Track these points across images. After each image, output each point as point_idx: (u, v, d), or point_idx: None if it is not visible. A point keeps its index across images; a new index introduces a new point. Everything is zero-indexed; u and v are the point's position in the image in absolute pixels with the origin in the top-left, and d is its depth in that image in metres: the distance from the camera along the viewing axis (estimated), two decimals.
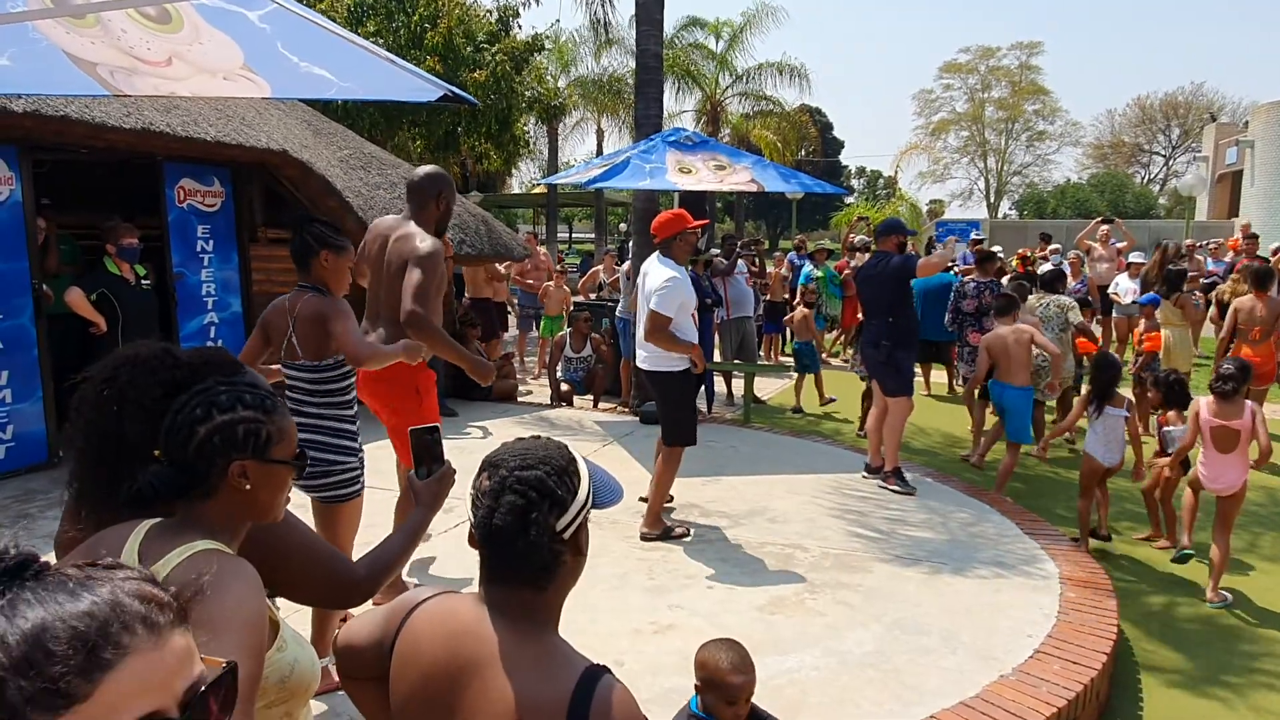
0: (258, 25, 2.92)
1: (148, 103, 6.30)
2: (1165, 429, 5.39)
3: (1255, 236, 13.32)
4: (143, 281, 5.97)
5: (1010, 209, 54.52)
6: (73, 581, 0.77)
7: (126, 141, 6.27)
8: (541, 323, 11.04)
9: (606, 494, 1.36)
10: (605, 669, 1.24)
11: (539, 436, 1.37)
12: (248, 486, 1.44)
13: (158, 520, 1.44)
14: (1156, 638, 4.27)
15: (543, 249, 13.49)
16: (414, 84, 2.86)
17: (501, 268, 10.10)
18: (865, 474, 6.05)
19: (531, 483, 1.25)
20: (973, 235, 13.90)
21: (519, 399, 8.92)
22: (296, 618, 3.76)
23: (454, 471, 1.86)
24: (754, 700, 2.46)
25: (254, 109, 7.43)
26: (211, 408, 1.45)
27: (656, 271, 4.76)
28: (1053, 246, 13.81)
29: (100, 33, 2.72)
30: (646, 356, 4.88)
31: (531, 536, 1.23)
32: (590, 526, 4.41)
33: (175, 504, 1.46)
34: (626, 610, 3.91)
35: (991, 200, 52.76)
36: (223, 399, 1.46)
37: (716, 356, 9.78)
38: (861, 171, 64.18)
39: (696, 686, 2.40)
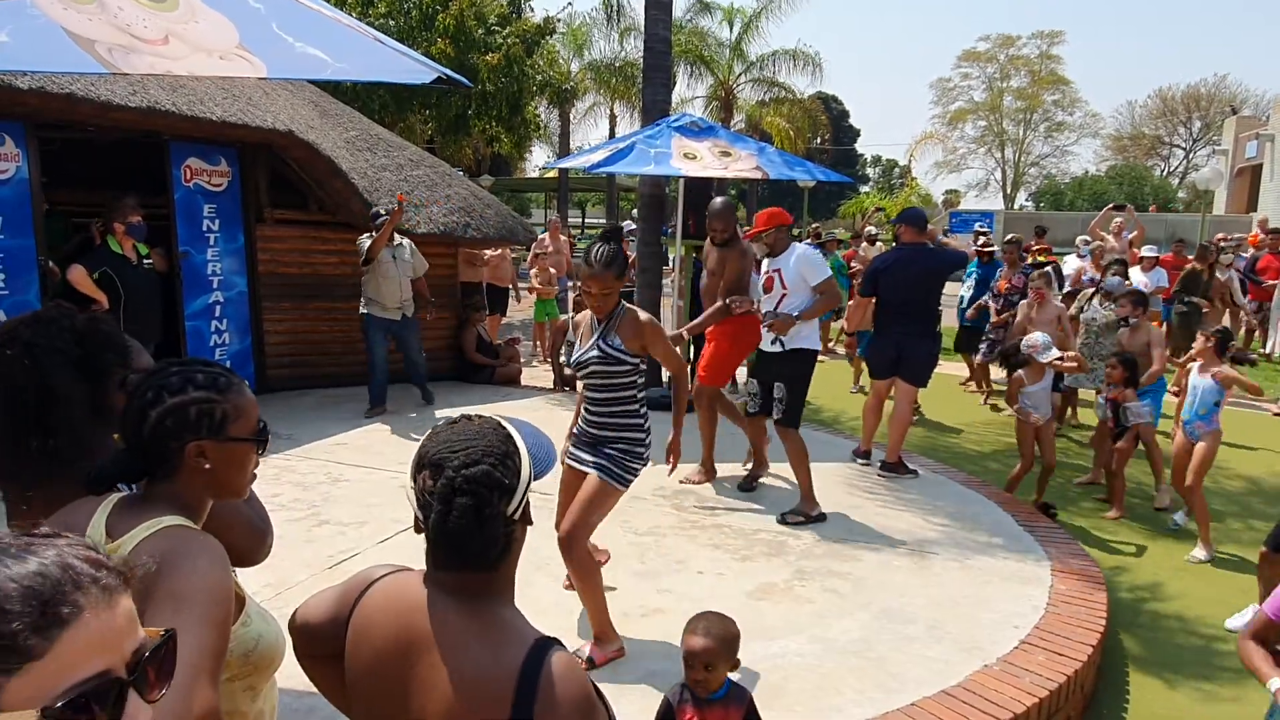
0: (252, 5, 2.93)
1: (154, 81, 6.33)
2: (1125, 405, 5.60)
3: (1277, 231, 13.13)
4: (144, 261, 6.01)
5: (1027, 200, 54.12)
6: (15, 548, 0.78)
7: (132, 120, 6.30)
8: (535, 306, 11.07)
9: (542, 463, 1.37)
10: (555, 640, 1.25)
11: (470, 419, 1.36)
12: (207, 466, 1.45)
13: (125, 494, 1.47)
14: (1146, 633, 4.26)
15: (563, 236, 13.47)
16: (408, 65, 2.87)
17: (488, 253, 10.10)
18: (857, 460, 6.13)
19: (480, 480, 1.25)
20: (977, 228, 13.81)
21: (523, 383, 8.95)
22: (291, 596, 3.81)
23: None
24: (745, 687, 2.49)
25: (261, 89, 7.45)
26: (162, 391, 1.45)
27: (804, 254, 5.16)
28: (1081, 238, 13.72)
29: (97, 10, 2.74)
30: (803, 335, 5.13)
31: (482, 535, 1.25)
32: None
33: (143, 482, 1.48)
34: (616, 594, 3.93)
35: (1008, 191, 52.34)
36: (173, 381, 1.46)
37: None
38: (877, 160, 63.77)
39: None
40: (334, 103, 8.85)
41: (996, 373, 8.61)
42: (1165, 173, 53.19)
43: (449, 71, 2.72)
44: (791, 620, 3.75)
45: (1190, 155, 51.57)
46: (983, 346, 9.09)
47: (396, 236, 7.03)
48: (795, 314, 4.99)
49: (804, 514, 4.91)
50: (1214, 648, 4.12)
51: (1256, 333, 12.05)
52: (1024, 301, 7.65)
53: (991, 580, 4.22)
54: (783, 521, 4.88)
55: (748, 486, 5.48)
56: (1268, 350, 11.56)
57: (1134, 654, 4.04)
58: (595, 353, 3.47)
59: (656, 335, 3.51)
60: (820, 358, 5.53)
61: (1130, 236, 12.09)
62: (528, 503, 1.32)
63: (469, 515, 1.24)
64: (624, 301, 3.56)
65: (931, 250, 5.96)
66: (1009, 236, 9.69)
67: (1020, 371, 5.69)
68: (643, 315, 3.51)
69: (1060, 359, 5.69)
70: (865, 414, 6.25)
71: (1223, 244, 12.31)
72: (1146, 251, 10.72)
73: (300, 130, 7.35)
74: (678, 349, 3.91)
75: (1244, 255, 13.00)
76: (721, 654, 2.37)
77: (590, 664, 3.29)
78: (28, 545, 0.78)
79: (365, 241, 6.93)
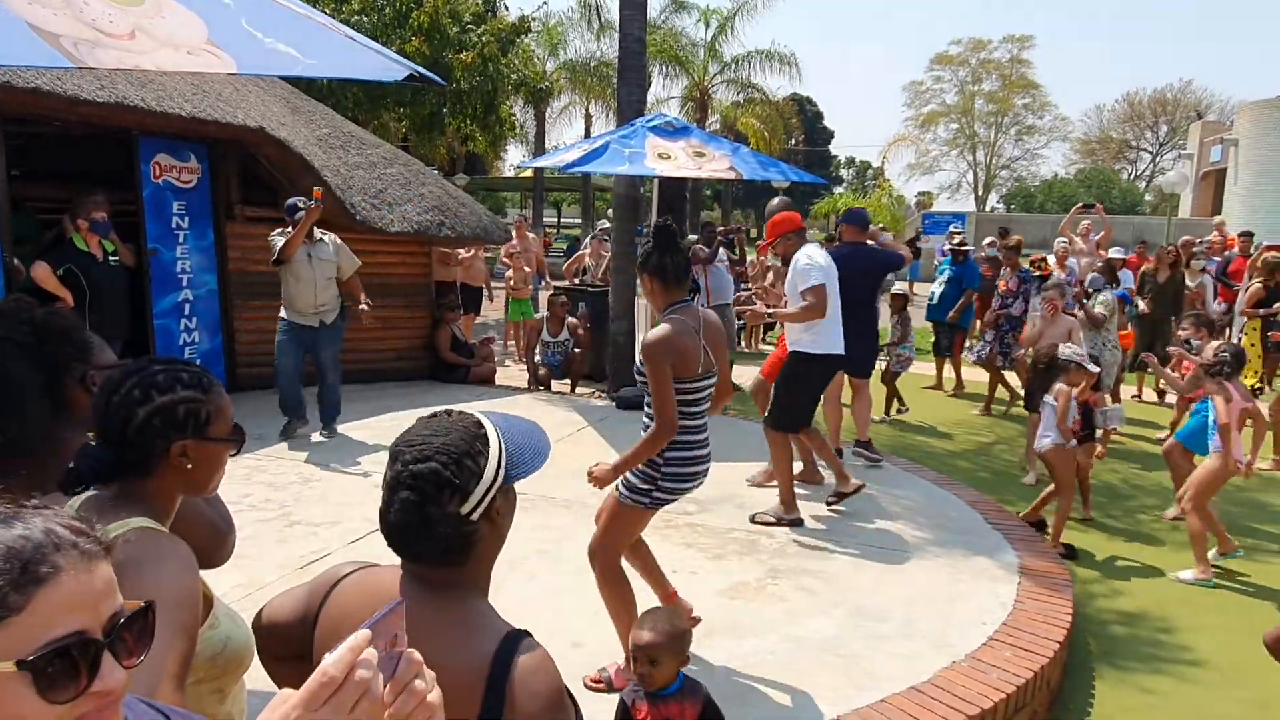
0: (222, 1, 2.91)
1: (122, 76, 6.24)
2: (1101, 409, 5.64)
3: (1248, 234, 13.24)
4: (110, 257, 5.93)
5: (998, 202, 54.71)
6: (3, 515, 0.82)
7: (100, 115, 6.22)
8: (509, 305, 11.05)
9: (524, 465, 1.33)
10: (526, 633, 1.26)
11: (450, 414, 1.36)
12: (189, 466, 1.45)
13: (92, 494, 1.45)
14: (1111, 629, 4.33)
15: (531, 234, 13.45)
16: (380, 63, 2.86)
17: (463, 252, 10.07)
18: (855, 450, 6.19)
19: (425, 476, 1.25)
20: (950, 229, 13.98)
21: (497, 383, 8.93)
22: (261, 596, 3.77)
23: None
24: (699, 682, 2.51)
25: (231, 85, 7.38)
26: (150, 389, 1.45)
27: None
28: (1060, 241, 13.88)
29: (63, 4, 2.70)
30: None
31: (427, 531, 1.24)
32: (558, 510, 4.45)
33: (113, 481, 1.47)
34: (588, 592, 3.91)
35: (980, 193, 52.91)
36: (160, 380, 1.47)
37: None
38: (851, 162, 64.17)
39: None
40: (306, 100, 8.78)
41: (1012, 379, 8.69)
42: (1133, 176, 54.01)
43: (421, 69, 2.71)
44: (764, 618, 3.78)
45: (1157, 159, 52.41)
46: (977, 347, 9.23)
47: (317, 232, 6.23)
48: (769, 312, 5.01)
49: (778, 516, 4.91)
50: (1176, 641, 4.19)
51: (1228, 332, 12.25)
52: (1039, 314, 7.49)
53: (961, 578, 4.27)
54: (754, 521, 4.90)
55: (833, 500, 5.20)
56: None
57: (1099, 650, 4.11)
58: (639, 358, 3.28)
59: (647, 360, 3.07)
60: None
61: (1098, 238, 12.24)
62: (500, 503, 1.31)
63: (410, 510, 1.25)
64: (676, 308, 3.18)
65: (872, 250, 6.12)
66: (1011, 240, 9.86)
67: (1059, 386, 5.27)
68: (655, 331, 3.12)
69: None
70: (825, 412, 6.21)
71: (1194, 249, 12.53)
72: (1114, 253, 10.88)
73: (271, 127, 7.29)
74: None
75: (1215, 259, 13.21)
76: (667, 649, 2.39)
77: (608, 685, 3.16)
78: (16, 513, 0.83)
79: (278, 239, 6.12)
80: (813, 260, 4.99)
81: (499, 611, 1.33)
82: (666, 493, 3.17)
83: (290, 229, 6.09)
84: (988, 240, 12.16)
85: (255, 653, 1.55)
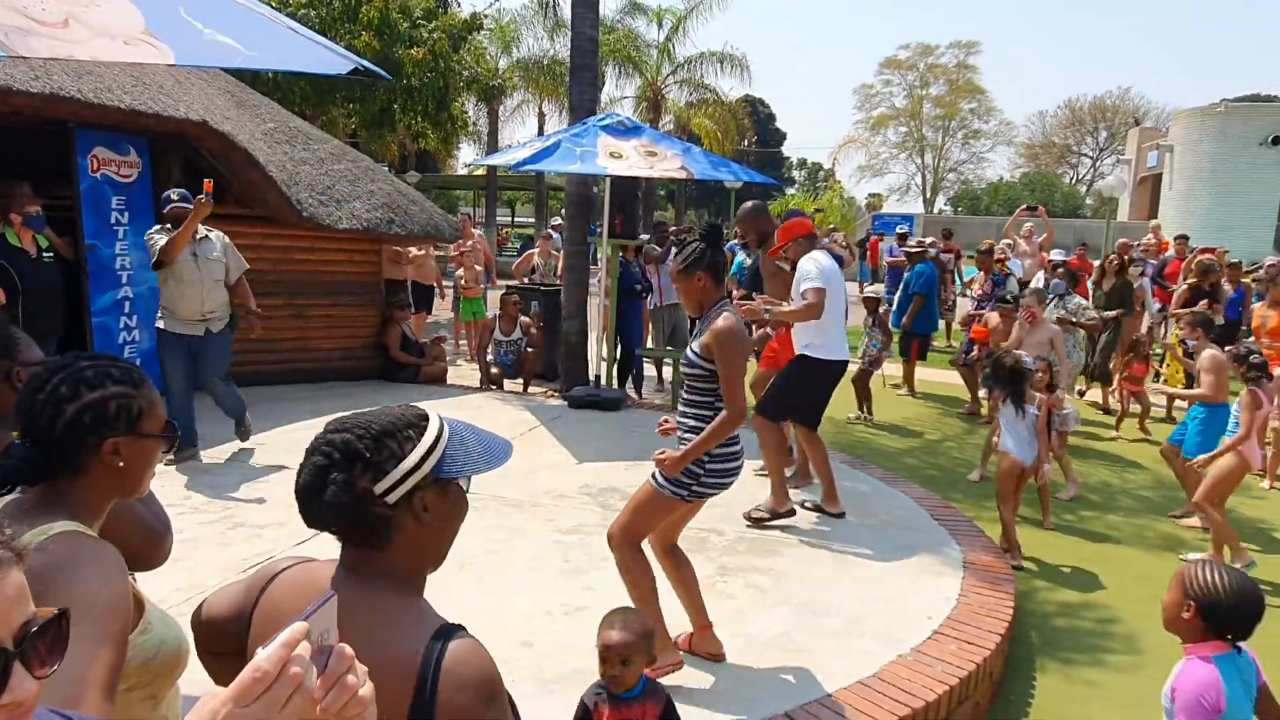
0: None
1: (58, 67, 6.05)
2: (1059, 412, 5.76)
3: (1184, 237, 13.66)
4: (44, 254, 5.74)
5: (946, 204, 55.75)
6: None
7: (34, 106, 6.02)
8: (460, 305, 10.97)
9: (460, 464, 1.30)
10: (460, 627, 1.24)
11: (403, 406, 1.35)
12: (121, 464, 1.41)
13: (13, 498, 1.41)
14: (1053, 621, 4.44)
15: (478, 231, 13.35)
16: (325, 56, 2.81)
17: (414, 251, 9.98)
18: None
19: (336, 444, 1.24)
20: (898, 230, 14.23)
21: (449, 382, 8.85)
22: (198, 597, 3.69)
23: None
24: (659, 683, 2.49)
25: (173, 77, 7.20)
26: (79, 385, 1.41)
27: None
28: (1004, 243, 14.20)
29: None
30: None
31: (328, 496, 1.23)
32: (508, 509, 4.44)
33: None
34: (540, 591, 3.93)
35: (928, 196, 53.90)
36: (89, 375, 1.43)
37: (648, 342, 9.84)
38: (803, 163, 64.84)
39: None
40: (251, 93, 8.60)
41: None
42: (1074, 180, 55.46)
43: (367, 63, 2.67)
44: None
45: (1097, 164, 53.89)
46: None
47: (202, 228, 5.54)
48: (767, 311, 5.02)
49: (771, 511, 4.91)
50: (1112, 631, 4.31)
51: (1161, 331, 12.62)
52: (1017, 320, 7.48)
53: (907, 573, 4.34)
54: (748, 518, 4.89)
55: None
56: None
57: (1040, 642, 4.21)
58: (687, 352, 3.35)
59: (722, 346, 3.13)
60: None
61: (1040, 240, 12.54)
62: (428, 498, 1.27)
63: (315, 474, 1.24)
64: (726, 303, 3.31)
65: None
66: (984, 245, 10.05)
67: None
68: (721, 321, 3.18)
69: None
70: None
71: (1131, 251, 12.87)
72: (1055, 254, 11.15)
73: (215, 121, 7.12)
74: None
75: (1152, 262, 13.62)
76: (637, 649, 2.37)
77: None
78: None
79: (159, 238, 5.42)
80: (818, 264, 5.03)
81: (448, 612, 1.32)
82: (708, 488, 3.22)
83: (171, 226, 5.45)
84: (929, 240, 12.40)
85: (189, 656, 1.52)
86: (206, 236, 5.66)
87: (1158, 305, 12.35)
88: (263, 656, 0.81)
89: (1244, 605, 2.21)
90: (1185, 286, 9.08)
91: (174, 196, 5.56)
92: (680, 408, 3.37)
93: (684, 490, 3.16)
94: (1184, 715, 2.17)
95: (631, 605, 2.51)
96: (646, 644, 2.40)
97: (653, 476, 3.21)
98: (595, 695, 2.44)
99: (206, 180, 5.48)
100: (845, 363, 5.25)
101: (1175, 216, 23.72)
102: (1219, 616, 2.20)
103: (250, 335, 5.99)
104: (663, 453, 3.14)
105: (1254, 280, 11.79)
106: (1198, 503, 5.13)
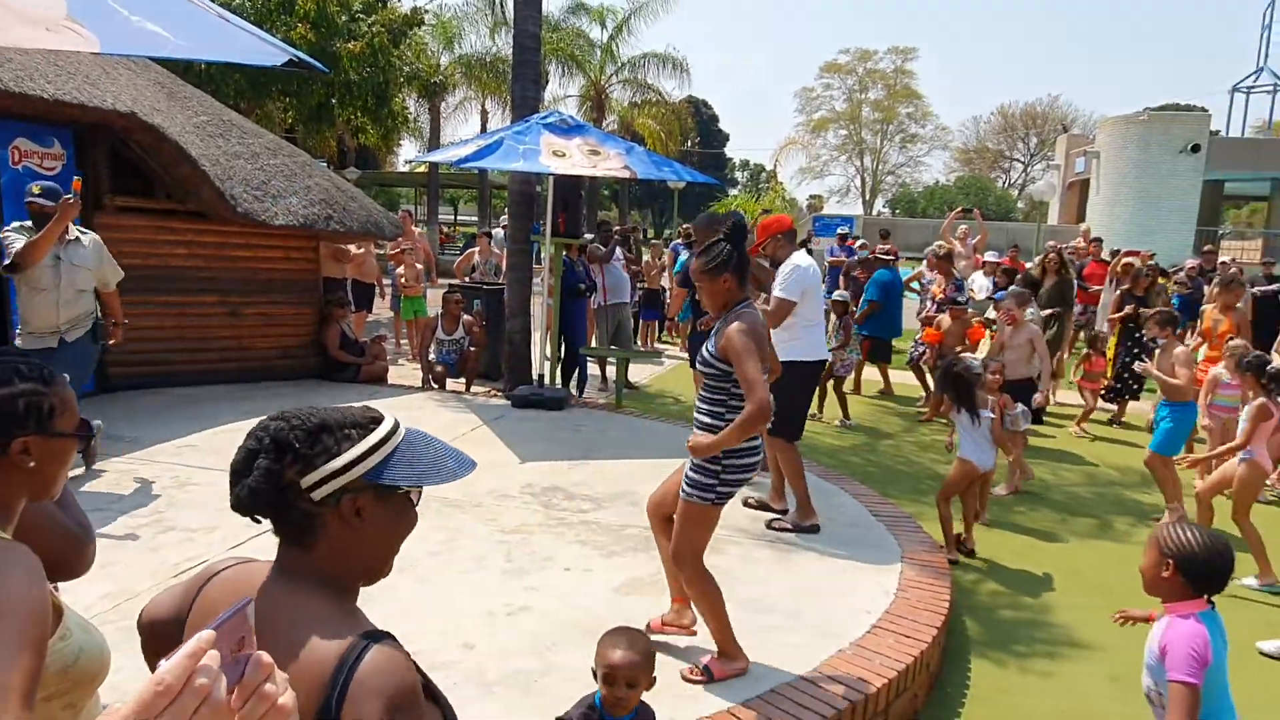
0: None
1: None
2: (1009, 412, 5.89)
3: (1098, 239, 14.24)
4: None
5: (884, 206, 56.82)
6: None
7: None
8: (401, 303, 10.84)
9: (399, 470, 1.27)
10: (386, 636, 1.21)
11: (369, 408, 1.33)
12: (31, 464, 1.36)
13: None
14: (988, 613, 4.55)
15: (419, 229, 13.19)
16: (258, 46, 2.75)
17: (353, 248, 9.83)
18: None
19: (270, 430, 1.23)
20: (839, 231, 14.45)
21: (390, 382, 8.72)
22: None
23: None
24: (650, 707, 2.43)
25: (100, 67, 6.96)
26: None
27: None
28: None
29: None
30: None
31: (250, 480, 1.21)
32: (450, 510, 4.39)
33: None
34: (481, 593, 3.89)
35: (867, 198, 54.85)
36: None
37: (592, 341, 9.82)
38: (746, 165, 65.43)
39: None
40: (183, 85, 8.35)
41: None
42: (1006, 184, 56.99)
43: (302, 54, 2.62)
44: (657, 614, 3.79)
45: (1028, 169, 55.48)
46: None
47: (73, 229, 4.99)
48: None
49: (795, 524, 4.91)
50: (1042, 620, 4.44)
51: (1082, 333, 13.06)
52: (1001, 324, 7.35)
53: (847, 569, 4.41)
54: (770, 529, 4.89)
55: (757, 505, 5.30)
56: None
57: (975, 634, 4.31)
58: (702, 352, 3.34)
59: (735, 348, 3.12)
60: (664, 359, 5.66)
61: (974, 241, 12.85)
62: (355, 496, 1.24)
63: (244, 457, 1.23)
64: (747, 304, 3.30)
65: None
66: (939, 249, 10.18)
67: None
68: (736, 322, 3.17)
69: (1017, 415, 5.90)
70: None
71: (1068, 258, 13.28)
72: (989, 256, 11.44)
73: (144, 112, 6.90)
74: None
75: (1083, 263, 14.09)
76: (644, 669, 2.31)
77: (708, 675, 3.23)
78: None
79: (15, 239, 4.85)
80: (796, 269, 5.00)
81: (388, 615, 1.29)
82: (729, 486, 3.26)
83: (33, 224, 4.88)
84: (860, 243, 12.63)
85: (110, 665, 1.47)
86: (77, 239, 5.05)
87: (1079, 307, 12.77)
88: (165, 668, 0.77)
89: (1218, 560, 2.33)
90: (1119, 293, 9.38)
91: (35, 190, 4.92)
92: (696, 404, 3.42)
93: (709, 494, 3.24)
94: (1177, 670, 2.25)
95: (628, 626, 2.44)
96: (651, 665, 2.33)
97: (682, 490, 3.30)
98: (584, 715, 2.33)
99: (76, 178, 5.04)
100: (823, 362, 5.29)
101: (1102, 221, 24.49)
102: (1196, 572, 2.32)
103: (112, 344, 5.44)
104: (693, 438, 3.21)
105: (1175, 283, 12.28)
106: (1238, 523, 5.04)
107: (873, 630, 3.72)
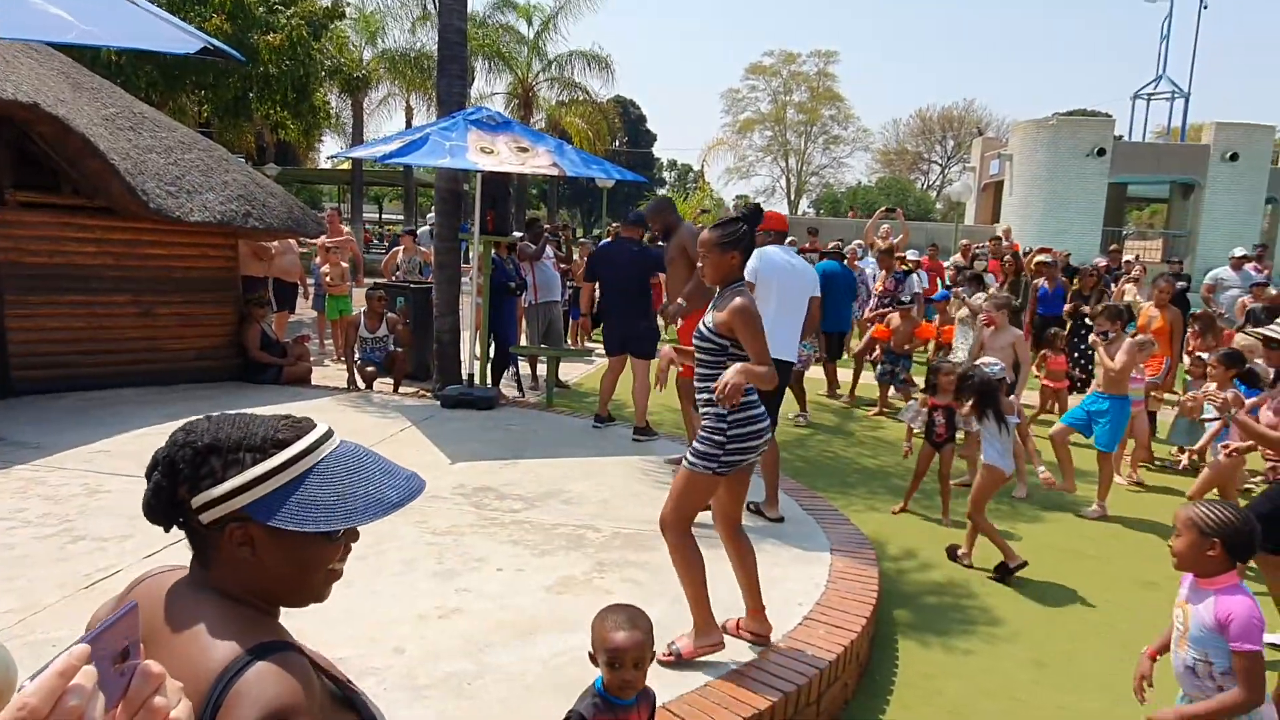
0: None
1: None
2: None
3: (997, 239, 14.71)
4: None
5: (809, 207, 57.76)
6: None
7: None
8: (326, 302, 10.60)
9: (284, 512, 1.15)
10: (285, 647, 1.13)
11: (288, 419, 1.26)
12: None
13: None
14: (912, 601, 4.67)
15: (346, 227, 12.89)
16: (170, 34, 2.64)
17: (273, 246, 9.59)
18: (595, 425, 6.98)
19: (169, 443, 1.20)
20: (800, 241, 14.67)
21: (314, 383, 8.50)
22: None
23: None
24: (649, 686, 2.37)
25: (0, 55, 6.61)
26: None
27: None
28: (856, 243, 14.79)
29: None
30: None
31: (146, 493, 1.19)
32: None
33: None
34: (412, 596, 3.82)
35: (792, 198, 55.67)
36: None
37: (523, 340, 9.74)
38: (673, 164, 65.78)
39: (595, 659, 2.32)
40: (90, 76, 7.99)
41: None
42: (925, 185, 58.55)
43: (217, 42, 2.52)
44: (592, 611, 3.72)
45: (945, 170, 57.10)
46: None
47: None
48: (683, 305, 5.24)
49: (758, 507, 5.09)
50: (965, 605, 4.58)
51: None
52: (983, 327, 7.24)
53: (779, 562, 4.46)
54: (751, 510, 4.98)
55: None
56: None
57: (903, 621, 4.41)
58: (699, 328, 3.39)
59: (745, 323, 3.24)
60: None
61: (896, 240, 13.18)
62: (244, 526, 1.16)
63: (149, 466, 1.20)
64: (741, 284, 3.39)
65: (642, 245, 7.10)
66: (885, 245, 10.36)
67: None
68: (740, 300, 3.27)
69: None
70: (602, 386, 7.09)
71: (974, 252, 13.72)
72: (911, 255, 11.75)
73: (48, 104, 6.59)
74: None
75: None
76: (649, 647, 2.25)
77: (677, 657, 3.27)
78: None
79: None
80: (760, 260, 5.02)
81: (312, 623, 1.24)
82: (733, 455, 3.28)
83: None
84: (789, 240, 12.81)
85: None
86: None
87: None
88: (29, 689, 0.70)
89: (1253, 528, 2.53)
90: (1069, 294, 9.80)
91: None
92: (696, 382, 3.47)
93: (712, 463, 3.27)
94: (1246, 639, 2.41)
95: (631, 605, 2.39)
96: (652, 641, 2.28)
97: (685, 460, 3.34)
98: (592, 704, 2.25)
99: None
100: (790, 364, 5.25)
101: (1015, 221, 25.30)
102: (1240, 543, 2.50)
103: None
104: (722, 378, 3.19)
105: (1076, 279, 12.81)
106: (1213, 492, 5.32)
107: (805, 622, 3.78)
